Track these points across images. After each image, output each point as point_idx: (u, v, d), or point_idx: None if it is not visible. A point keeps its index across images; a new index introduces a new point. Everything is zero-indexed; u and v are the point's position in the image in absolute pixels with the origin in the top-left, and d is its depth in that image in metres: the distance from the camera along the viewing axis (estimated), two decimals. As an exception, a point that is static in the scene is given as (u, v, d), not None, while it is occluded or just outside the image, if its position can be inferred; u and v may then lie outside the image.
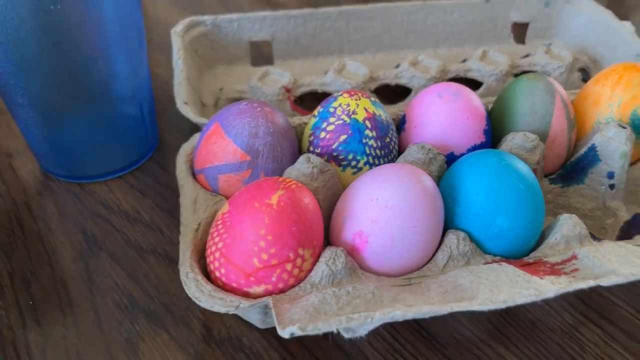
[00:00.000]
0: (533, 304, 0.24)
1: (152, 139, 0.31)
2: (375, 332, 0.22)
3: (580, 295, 0.25)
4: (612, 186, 0.27)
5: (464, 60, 0.38)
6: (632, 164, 0.29)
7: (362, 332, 0.18)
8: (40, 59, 0.24)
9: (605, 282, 0.19)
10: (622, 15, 0.42)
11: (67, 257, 0.25)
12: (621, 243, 0.22)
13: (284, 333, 0.17)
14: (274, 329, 0.22)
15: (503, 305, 0.18)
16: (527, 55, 0.39)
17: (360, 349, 0.22)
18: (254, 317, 0.21)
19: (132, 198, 0.28)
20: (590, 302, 0.25)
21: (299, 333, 0.17)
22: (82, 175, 0.29)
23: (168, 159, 0.31)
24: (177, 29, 0.35)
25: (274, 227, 0.19)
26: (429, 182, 0.22)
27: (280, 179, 0.21)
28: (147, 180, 0.30)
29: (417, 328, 0.23)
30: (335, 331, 0.17)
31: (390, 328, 0.23)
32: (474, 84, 0.36)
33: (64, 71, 0.25)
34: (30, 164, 0.30)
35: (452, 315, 0.23)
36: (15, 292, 0.24)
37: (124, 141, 0.30)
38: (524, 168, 0.22)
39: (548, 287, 0.18)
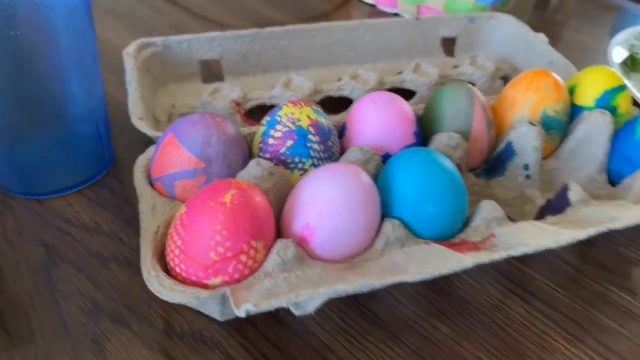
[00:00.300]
0: (465, 283, 0.27)
1: (108, 155, 0.33)
2: (324, 315, 0.25)
3: (506, 274, 0.28)
4: (528, 177, 0.31)
5: (400, 73, 0.42)
6: (545, 157, 0.33)
7: (311, 308, 0.20)
8: (0, 82, 0.25)
9: (514, 252, 0.22)
10: (556, 30, 0.47)
11: (30, 269, 0.26)
12: (534, 222, 0.26)
13: (241, 312, 0.19)
14: (233, 320, 0.24)
15: (430, 276, 0.21)
16: (456, 67, 0.44)
17: (311, 330, 0.24)
18: (214, 309, 0.23)
19: (91, 211, 0.30)
20: (515, 279, 0.28)
21: (253, 310, 0.19)
22: (41, 192, 0.30)
23: (124, 173, 0.32)
24: (129, 50, 0.36)
25: (229, 223, 0.21)
26: (366, 178, 0.25)
27: (234, 181, 0.23)
28: (105, 193, 0.31)
29: (361, 309, 0.25)
30: (286, 307, 0.19)
31: (338, 310, 0.25)
32: (408, 94, 0.40)
33: (23, 94, 0.26)
34: (-13, 184, 0.31)
35: (393, 296, 0.26)
36: (-21, 305, 0.25)
37: (82, 158, 0.31)
38: (447, 163, 0.26)
39: (468, 260, 0.21)
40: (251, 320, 0.25)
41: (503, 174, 0.31)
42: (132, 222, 0.29)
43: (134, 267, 0.27)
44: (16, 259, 0.27)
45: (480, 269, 0.28)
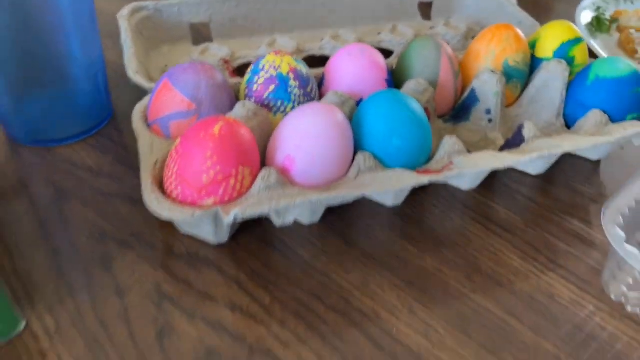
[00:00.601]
0: (434, 214, 0.31)
1: (107, 108, 0.36)
2: (306, 240, 0.28)
3: (471, 207, 0.32)
4: (490, 120, 0.34)
5: (378, 34, 0.45)
6: (509, 105, 0.36)
7: (289, 218, 0.23)
8: (7, 37, 0.28)
9: (467, 171, 0.25)
10: (547, 3, 0.49)
11: (42, 205, 0.29)
12: (490, 152, 0.29)
13: (229, 218, 0.22)
14: (225, 243, 0.28)
15: (391, 189, 0.24)
16: (431, 28, 0.47)
17: (296, 251, 0.28)
18: (208, 230, 0.26)
19: (95, 156, 0.33)
20: (479, 211, 0.31)
21: (240, 215, 0.22)
22: (48, 140, 0.33)
23: (123, 124, 0.35)
24: (123, 13, 0.39)
25: (218, 150, 0.24)
26: (340, 115, 0.28)
27: (222, 116, 0.26)
28: (106, 142, 0.34)
29: (341, 235, 0.29)
30: (267, 213, 0.22)
31: (318, 236, 0.28)
32: (386, 53, 0.43)
33: (29, 53, 0.29)
34: (-2, 133, 0.34)
35: (368, 224, 0.29)
36: (1, 234, 0.28)
37: (84, 110, 0.34)
38: (412, 102, 0.29)
39: (424, 179, 0.25)
40: (241, 243, 0.28)
41: (468, 119, 0.34)
42: (132, 166, 0.32)
43: (136, 202, 0.30)
44: (29, 197, 0.30)
45: (449, 202, 0.32)
